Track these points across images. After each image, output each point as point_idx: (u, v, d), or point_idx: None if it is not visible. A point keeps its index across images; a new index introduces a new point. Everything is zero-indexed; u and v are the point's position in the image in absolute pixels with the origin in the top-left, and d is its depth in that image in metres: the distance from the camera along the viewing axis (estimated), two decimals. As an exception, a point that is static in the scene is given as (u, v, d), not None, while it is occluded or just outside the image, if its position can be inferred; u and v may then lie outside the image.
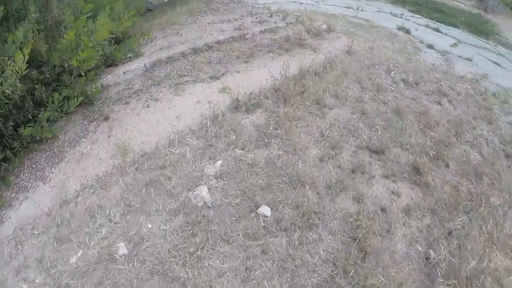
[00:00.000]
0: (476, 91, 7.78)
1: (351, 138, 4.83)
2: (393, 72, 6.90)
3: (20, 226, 3.73)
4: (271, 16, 8.48)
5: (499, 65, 10.83)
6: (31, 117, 4.50)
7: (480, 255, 4.09)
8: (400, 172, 4.70)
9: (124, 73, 5.72)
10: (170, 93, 5.32)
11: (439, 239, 4.21)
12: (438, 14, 14.94)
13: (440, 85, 7.25)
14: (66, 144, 4.66)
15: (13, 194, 4.10)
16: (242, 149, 4.40)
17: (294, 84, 5.42)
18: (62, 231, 3.60)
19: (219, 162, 4.26)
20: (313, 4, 12.65)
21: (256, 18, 8.11)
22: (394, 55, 7.93)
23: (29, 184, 4.19)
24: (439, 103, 6.53)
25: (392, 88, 6.26)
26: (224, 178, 4.11)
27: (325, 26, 8.51)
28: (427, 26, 12.45)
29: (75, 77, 4.87)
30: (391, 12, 13.72)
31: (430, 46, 9.67)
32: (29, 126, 4.33)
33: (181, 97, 5.26)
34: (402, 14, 13.74)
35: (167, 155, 4.34)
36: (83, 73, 4.94)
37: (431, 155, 5.09)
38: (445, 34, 12.17)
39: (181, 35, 6.97)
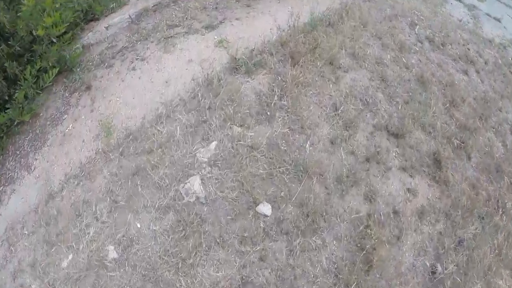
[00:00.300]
0: (504, 61, 6.73)
1: (368, 114, 3.87)
2: (417, 27, 5.72)
3: (11, 225, 3.52)
4: None
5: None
6: (7, 98, 3.98)
7: (486, 274, 3.60)
8: (420, 163, 3.86)
9: (107, 28, 4.57)
10: (158, 49, 4.22)
11: (449, 249, 3.62)
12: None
13: (468, 49, 6.15)
14: (48, 123, 4.03)
15: (1, 187, 3.83)
16: (241, 126, 3.47)
17: (304, 37, 4.30)
18: (50, 231, 3.33)
19: (214, 143, 3.35)
20: None
21: None
22: (418, 4, 6.65)
23: (15, 174, 3.87)
24: (466, 73, 5.50)
25: (417, 48, 5.15)
26: (219, 165, 3.28)
27: None
28: (453, -27, 10.90)
29: (47, 45, 3.98)
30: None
31: (457, -1, 8.35)
32: (6, 109, 3.88)
33: (171, 55, 4.15)
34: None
35: (154, 134, 3.51)
36: (55, 40, 4.01)
37: (454, 144, 4.22)
38: (472, -15, 10.71)
39: None
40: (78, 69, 4.22)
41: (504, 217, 4.21)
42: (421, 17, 6.20)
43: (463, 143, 4.37)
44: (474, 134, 4.65)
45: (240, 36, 4.38)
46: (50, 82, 4.04)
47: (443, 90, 4.85)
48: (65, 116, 4.05)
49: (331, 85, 3.95)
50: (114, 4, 4.83)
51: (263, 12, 4.91)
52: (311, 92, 3.81)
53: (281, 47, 4.19)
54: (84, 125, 3.89)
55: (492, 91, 5.83)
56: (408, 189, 3.69)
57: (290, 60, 3.97)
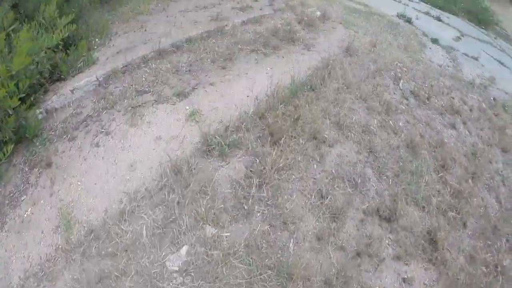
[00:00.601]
0: (487, 104, 6.44)
1: (358, 197, 3.32)
2: (401, 81, 5.37)
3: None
4: (256, 0, 6.65)
5: (504, 65, 9.49)
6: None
7: None
8: (415, 247, 3.28)
9: (72, 91, 3.95)
10: (124, 121, 3.62)
11: None
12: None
13: (452, 97, 5.82)
14: (7, 201, 3.41)
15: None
16: (215, 225, 2.87)
17: (285, 107, 3.81)
18: None
19: (185, 248, 2.73)
20: None
21: (238, 3, 6.22)
22: (399, 54, 6.35)
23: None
24: (454, 127, 5.14)
25: (403, 107, 4.76)
26: (192, 274, 2.66)
27: (318, 13, 6.76)
28: (427, 13, 10.79)
29: (3, 117, 3.33)
30: (388, -5, 11.96)
31: (434, 41, 8.10)
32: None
33: (138, 129, 3.56)
34: (400, -2, 12.01)
35: (117, 234, 2.89)
36: (11, 112, 3.36)
37: (449, 216, 3.78)
38: (447, 24, 10.59)
39: (146, 30, 5.04)
40: (39, 140, 3.60)
41: (505, 284, 3.80)
42: (404, 68, 5.89)
43: (458, 213, 3.97)
44: (469, 198, 4.17)
45: (214, 107, 3.83)
46: (5, 159, 3.38)
47: (433, 153, 4.45)
48: (24, 196, 3.40)
49: (315, 166, 3.40)
50: (82, 63, 4.24)
51: (240, 74, 4.42)
52: (293, 176, 3.24)
53: (259, 120, 3.64)
54: (43, 212, 3.24)
55: (481, 141, 5.48)
56: (404, 279, 3.14)
57: (269, 138, 3.44)
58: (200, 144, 3.43)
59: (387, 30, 7.55)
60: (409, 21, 8.84)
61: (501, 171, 5.27)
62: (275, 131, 3.52)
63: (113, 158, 3.41)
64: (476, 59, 8.48)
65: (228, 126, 3.56)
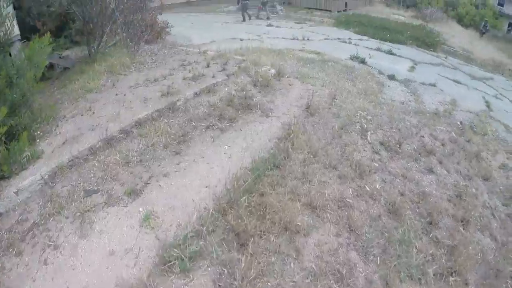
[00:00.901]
0: (456, 132, 6.21)
1: None
2: (369, 133, 5.07)
3: None
4: (208, 65, 6.37)
5: (460, 83, 9.51)
6: None
7: None
8: None
9: (17, 193, 3.40)
10: (74, 231, 3.06)
11: None
12: (385, 32, 13.59)
13: (422, 136, 5.56)
14: None
15: None
16: None
17: (248, 198, 3.36)
18: None
19: None
20: (256, 39, 10.74)
21: (190, 71, 5.98)
22: (361, 101, 6.12)
23: None
24: (431, 170, 4.76)
25: (376, 165, 4.39)
26: None
27: (273, 70, 6.56)
28: (379, 49, 10.92)
29: None
30: (338, 38, 12.08)
31: (391, 77, 8.02)
32: None
33: (88, 241, 2.99)
34: (350, 38, 12.16)
35: None
36: None
37: (450, 281, 3.32)
38: (400, 56, 10.70)
39: (94, 112, 4.66)
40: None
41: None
42: (368, 116, 5.62)
43: (458, 274, 3.50)
44: (464, 249, 3.81)
45: (170, 205, 3.31)
46: None
47: (417, 210, 4.00)
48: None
49: (292, 265, 2.85)
50: (26, 158, 3.75)
51: (196, 159, 3.94)
52: (269, 284, 2.67)
53: (222, 218, 3.14)
54: None
55: (461, 177, 5.12)
56: None
57: (235, 239, 3.02)
58: (158, 259, 2.91)
59: (344, 76, 7.40)
60: (363, 61, 8.81)
61: (488, 203, 4.90)
62: (241, 231, 3.03)
63: (64, 280, 2.79)
64: (434, 85, 8.41)
65: (188, 232, 3.07)
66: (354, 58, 9.00)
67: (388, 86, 7.49)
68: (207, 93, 5.39)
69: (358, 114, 5.48)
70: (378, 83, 7.46)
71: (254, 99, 5.41)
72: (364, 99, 6.27)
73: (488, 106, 8.33)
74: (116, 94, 5.24)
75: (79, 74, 6.06)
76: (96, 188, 3.54)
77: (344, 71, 7.73)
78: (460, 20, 27.34)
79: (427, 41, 13.37)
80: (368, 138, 4.91)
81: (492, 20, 29.41)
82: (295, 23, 15.43)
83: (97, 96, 5.22)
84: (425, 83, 8.38)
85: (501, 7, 34.58)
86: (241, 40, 10.34)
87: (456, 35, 17.56)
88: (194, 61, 6.70)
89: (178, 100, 5.03)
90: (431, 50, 13.11)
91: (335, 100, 5.92)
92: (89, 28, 6.57)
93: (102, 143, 4.07)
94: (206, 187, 3.65)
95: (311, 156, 4.15)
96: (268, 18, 16.14)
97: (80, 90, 5.38)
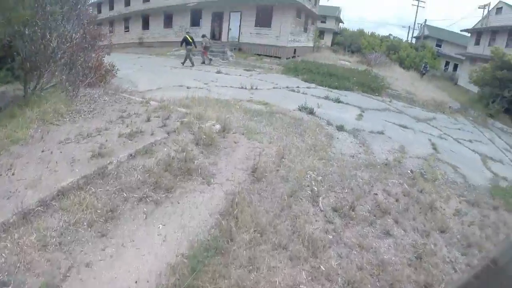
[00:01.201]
0: (408, 182, 6.20)
1: None
2: (320, 198, 4.86)
3: None
4: (149, 119, 5.98)
5: (406, 127, 9.88)
6: None
7: None
8: None
9: None
10: None
11: None
12: (332, 79, 14.18)
13: (375, 194, 5.46)
14: None
15: None
16: None
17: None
18: None
19: None
20: (203, 88, 10.64)
21: (128, 126, 5.56)
22: (310, 159, 5.98)
23: None
24: (388, 233, 4.61)
25: (330, 237, 4.10)
26: None
27: (218, 126, 6.34)
28: (327, 98, 11.24)
29: None
30: (287, 86, 12.35)
31: (340, 128, 8.11)
32: None
33: None
34: (298, 86, 12.48)
35: None
36: None
37: None
38: (347, 103, 11.03)
39: (14, 173, 3.98)
40: None
41: None
42: (319, 177, 5.45)
43: None
44: None
45: None
46: None
47: (378, 284, 3.77)
48: None
49: None
50: None
51: (124, 243, 3.38)
52: None
53: None
54: None
55: (419, 235, 5.01)
56: None
57: None
58: None
59: (292, 130, 7.34)
60: (311, 112, 8.90)
61: (448, 257, 4.75)
62: None
63: None
64: (382, 132, 8.62)
65: None
66: (302, 108, 9.08)
67: (337, 138, 7.51)
68: (143, 154, 4.97)
69: (308, 176, 5.30)
70: (327, 136, 7.46)
71: (196, 162, 5.06)
72: (313, 156, 6.14)
73: (435, 149, 8.63)
74: (43, 151, 4.65)
75: (8, 119, 5.41)
76: (7, 280, 2.90)
77: (293, 124, 7.69)
78: (401, 63, 29.77)
79: (373, 86, 14.08)
80: (320, 205, 4.68)
81: (431, 61, 32.37)
82: (244, 70, 15.74)
83: (22, 150, 4.60)
84: (373, 131, 8.55)
85: (439, 48, 38.61)
86: (188, 88, 10.21)
87: (399, 77, 18.82)
88: (135, 113, 6.33)
89: (110, 163, 4.54)
90: (376, 95, 13.76)
91: (283, 159, 5.74)
92: (27, 66, 5.99)
93: (18, 217, 3.44)
94: (136, 282, 3.13)
95: (258, 235, 3.79)
96: (210, 63, 16.37)
97: (6, 140, 4.75)
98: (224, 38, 21.59)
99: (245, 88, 11.06)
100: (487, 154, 9.85)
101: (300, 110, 9.01)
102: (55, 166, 4.33)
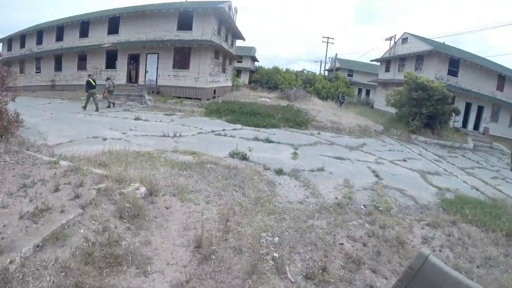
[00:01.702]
0: (367, 220, 5.75)
1: None
2: (286, 267, 4.05)
3: None
4: (57, 189, 4.67)
5: (342, 159, 9.79)
6: None
7: None
8: None
9: None
10: None
11: None
12: (256, 117, 13.94)
13: (341, 244, 4.87)
14: None
15: None
16: None
17: None
18: None
19: None
20: (121, 138, 9.37)
21: (32, 200, 4.27)
22: (259, 218, 5.15)
23: None
24: (372, 287, 4.03)
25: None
26: None
27: (143, 189, 5.25)
28: (256, 139, 10.78)
29: None
30: (212, 131, 11.66)
31: (279, 172, 7.50)
32: None
33: None
34: (224, 129, 11.88)
35: None
36: None
37: None
38: (278, 142, 10.68)
39: None
40: None
41: None
42: (275, 238, 4.62)
43: None
44: None
45: None
46: None
47: None
48: None
49: None
50: None
51: None
52: None
53: None
54: None
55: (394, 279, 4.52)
56: None
57: None
58: None
59: (229, 182, 6.52)
60: (244, 157, 8.24)
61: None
62: None
63: None
64: (322, 169, 8.27)
65: None
66: (234, 155, 8.39)
67: (279, 184, 6.91)
68: (54, 242, 3.72)
69: (263, 240, 4.50)
70: (269, 183, 6.81)
71: (123, 244, 3.95)
72: (261, 212, 5.39)
73: (377, 176, 8.57)
74: None
75: None
76: None
77: (228, 175, 6.90)
78: (318, 94, 31.55)
79: (298, 121, 14.15)
80: (289, 275, 3.88)
81: (345, 89, 35.10)
82: (164, 114, 14.75)
83: None
84: (313, 169, 8.19)
85: (351, 77, 42.75)
86: (104, 139, 8.90)
87: (320, 109, 19.49)
88: (40, 179, 5.04)
89: (11, 263, 3.25)
90: (303, 129, 13.81)
91: (228, 223, 4.87)
92: None
93: None
94: None
95: None
96: (112, 106, 15.45)
97: None
98: (141, 81, 20.44)
99: (168, 136, 10.08)
100: (423, 169, 10.21)
101: (232, 156, 8.30)
102: None
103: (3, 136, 7.15)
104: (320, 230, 5.13)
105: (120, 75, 21.01)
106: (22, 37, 26.92)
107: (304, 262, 4.24)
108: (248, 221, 4.99)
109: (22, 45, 27.00)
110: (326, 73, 47.09)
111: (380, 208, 6.44)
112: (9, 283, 3.09)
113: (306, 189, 6.84)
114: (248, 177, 6.88)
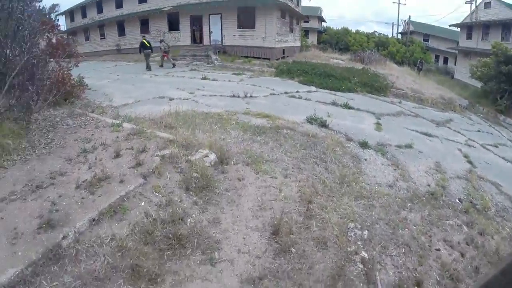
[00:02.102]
0: (464, 220, 4.76)
1: None
2: (377, 274, 3.39)
3: None
4: (118, 155, 4.45)
5: (430, 135, 8.45)
6: None
7: None
8: None
9: None
10: None
11: None
12: (331, 80, 12.70)
13: (437, 250, 4.02)
14: None
15: None
16: None
17: None
18: None
19: None
20: (188, 99, 8.93)
21: (90, 167, 4.11)
22: (345, 202, 4.45)
23: None
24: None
25: None
26: None
27: (213, 156, 4.74)
28: (334, 103, 9.73)
29: None
30: (285, 92, 10.72)
31: (363, 145, 6.57)
32: None
33: None
34: (297, 91, 10.90)
35: None
36: None
37: None
38: (358, 109, 9.54)
39: None
40: None
41: None
42: (364, 232, 3.94)
43: None
44: None
45: None
46: None
47: None
48: None
49: None
50: None
51: None
52: None
53: None
54: None
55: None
56: None
57: None
58: None
59: (309, 153, 5.78)
60: (324, 124, 7.36)
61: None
62: None
63: None
64: (410, 146, 7.17)
65: None
66: (312, 120, 7.54)
67: (365, 160, 6.02)
68: (111, 216, 3.43)
69: (352, 234, 3.79)
70: (353, 158, 5.96)
71: (188, 221, 3.52)
72: (348, 195, 4.65)
73: (470, 162, 7.28)
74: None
75: None
76: None
77: (306, 144, 6.14)
78: (392, 58, 28.61)
79: (376, 86, 12.68)
80: (379, 285, 3.17)
81: (421, 55, 31.44)
82: (233, 74, 14.06)
83: None
84: (400, 145, 7.12)
85: (427, 42, 37.94)
86: (171, 99, 8.56)
87: (399, 75, 17.47)
88: (101, 144, 4.84)
89: (64, 238, 3.00)
90: (382, 95, 12.40)
91: (310, 205, 4.19)
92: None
93: None
94: None
95: None
96: (174, 66, 15.09)
97: None
98: (206, 41, 19.81)
99: (238, 97, 9.41)
100: (518, 160, 8.56)
101: (309, 122, 7.46)
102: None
103: (67, 100, 7.03)
104: (414, 227, 4.30)
105: (183, 36, 20.50)
106: (82, 8, 27.50)
107: (397, 269, 3.51)
108: (334, 206, 4.29)
109: (84, 15, 27.64)
110: (399, 36, 42.33)
111: (477, 206, 5.38)
112: (61, 260, 2.83)
113: (395, 170, 5.90)
114: (330, 148, 6.08)
